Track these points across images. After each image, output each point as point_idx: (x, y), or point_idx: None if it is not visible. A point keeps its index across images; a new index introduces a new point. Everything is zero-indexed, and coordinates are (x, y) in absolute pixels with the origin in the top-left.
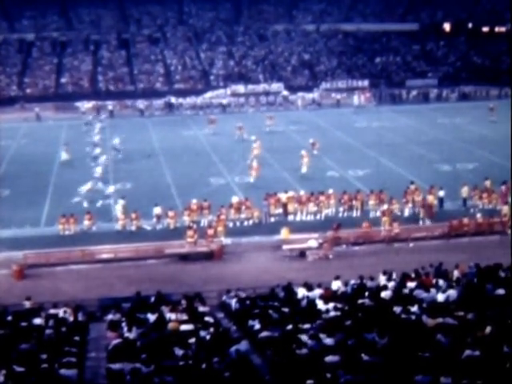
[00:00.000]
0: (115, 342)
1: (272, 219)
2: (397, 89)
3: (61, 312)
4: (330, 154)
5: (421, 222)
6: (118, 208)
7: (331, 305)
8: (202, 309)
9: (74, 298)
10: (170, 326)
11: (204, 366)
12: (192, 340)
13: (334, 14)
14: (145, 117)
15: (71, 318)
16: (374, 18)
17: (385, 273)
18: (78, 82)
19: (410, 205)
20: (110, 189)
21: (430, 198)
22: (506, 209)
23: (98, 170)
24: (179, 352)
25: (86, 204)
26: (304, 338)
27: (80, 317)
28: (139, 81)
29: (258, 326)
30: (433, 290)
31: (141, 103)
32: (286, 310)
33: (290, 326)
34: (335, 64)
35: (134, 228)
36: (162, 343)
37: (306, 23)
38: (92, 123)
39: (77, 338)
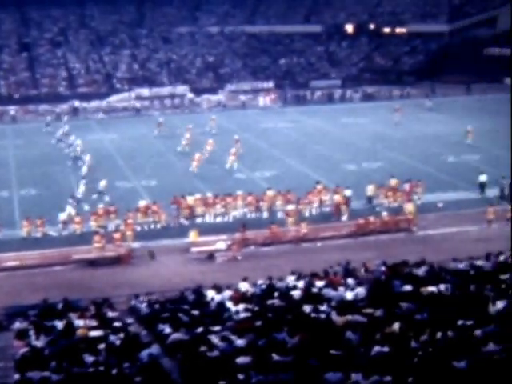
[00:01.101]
0: (23, 350)
1: (180, 222)
2: (301, 90)
3: None
4: (237, 156)
5: (344, 218)
6: (69, 209)
7: (241, 306)
8: (111, 314)
9: None
10: (79, 332)
11: (115, 371)
12: (102, 346)
13: (238, 16)
14: (51, 121)
15: None
16: (277, 19)
17: (293, 273)
18: None
19: (316, 204)
20: (102, 183)
21: (337, 198)
22: (410, 206)
23: (84, 169)
24: (89, 359)
25: (87, 206)
26: (215, 340)
27: None
28: (42, 85)
29: (168, 330)
30: (341, 289)
31: (55, 107)
32: (195, 312)
33: (200, 329)
34: (239, 66)
35: (39, 234)
36: (71, 350)
37: (210, 25)
38: (50, 124)
39: None
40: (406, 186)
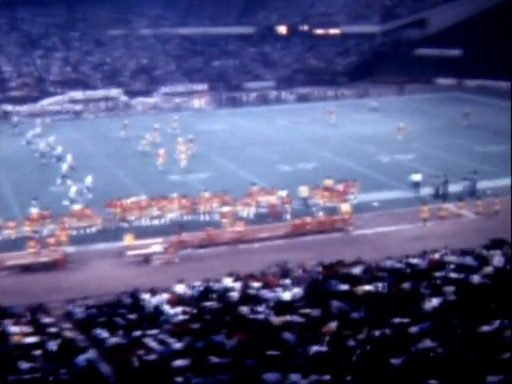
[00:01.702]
0: None
1: (115, 225)
2: (235, 91)
3: None
4: (172, 158)
5: (288, 217)
6: (34, 211)
7: (178, 309)
8: (46, 320)
9: None
10: (14, 339)
11: (51, 378)
12: (37, 352)
13: (170, 18)
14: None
15: None
16: (209, 21)
17: (230, 274)
18: None
19: (252, 206)
20: (88, 179)
21: (272, 199)
22: (345, 206)
23: (64, 167)
24: (25, 365)
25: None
26: (152, 343)
27: None
28: None
29: (104, 334)
30: (278, 289)
31: None
32: (132, 316)
33: (137, 333)
34: (173, 68)
35: None
36: (6, 358)
37: (142, 28)
38: (17, 125)
39: None
40: (340, 187)
